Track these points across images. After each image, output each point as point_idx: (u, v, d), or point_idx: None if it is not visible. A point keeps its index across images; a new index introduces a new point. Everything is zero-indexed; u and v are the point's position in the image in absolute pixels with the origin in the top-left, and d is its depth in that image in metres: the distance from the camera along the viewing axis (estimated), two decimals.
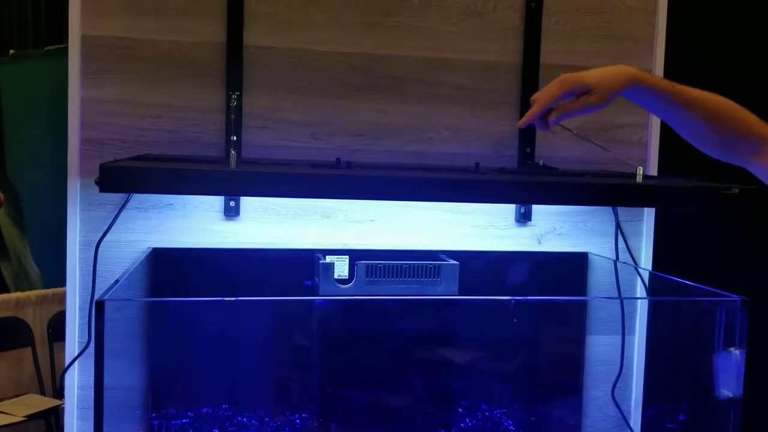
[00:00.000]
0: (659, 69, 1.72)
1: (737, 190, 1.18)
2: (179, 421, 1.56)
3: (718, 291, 1.25)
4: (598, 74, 1.13)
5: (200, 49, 1.52)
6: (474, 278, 1.57)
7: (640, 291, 1.69)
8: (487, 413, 1.62)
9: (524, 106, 1.64)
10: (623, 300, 1.64)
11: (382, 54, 1.60)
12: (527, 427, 1.64)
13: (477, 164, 1.43)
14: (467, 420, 1.59)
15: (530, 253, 1.65)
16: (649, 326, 1.70)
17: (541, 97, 1.14)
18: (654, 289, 1.60)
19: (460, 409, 1.60)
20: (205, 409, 1.53)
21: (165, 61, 1.51)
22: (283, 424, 1.57)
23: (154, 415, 1.52)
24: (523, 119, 1.16)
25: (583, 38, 1.68)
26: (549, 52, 1.66)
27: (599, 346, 1.71)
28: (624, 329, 1.71)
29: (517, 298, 1.47)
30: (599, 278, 1.69)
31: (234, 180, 1.03)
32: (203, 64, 1.53)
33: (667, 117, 1.21)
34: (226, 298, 1.28)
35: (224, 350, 1.55)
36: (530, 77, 1.64)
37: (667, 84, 1.15)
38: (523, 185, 1.09)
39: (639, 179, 1.20)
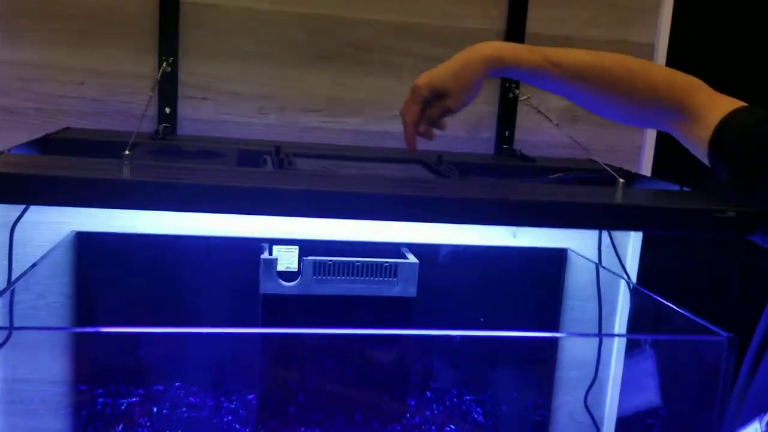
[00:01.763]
0: (663, 42, 1.50)
1: (733, 214, 1.00)
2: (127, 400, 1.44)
3: (705, 324, 1.09)
4: (445, 71, 0.98)
5: (129, 6, 1.32)
6: (439, 275, 1.41)
7: (622, 301, 1.53)
8: (445, 415, 1.49)
9: (506, 82, 1.44)
10: (601, 311, 1.48)
11: (343, 17, 1.38)
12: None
13: (439, 157, 1.24)
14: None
15: (504, 248, 1.48)
16: (629, 332, 1.55)
17: (404, 114, 1.01)
18: (637, 302, 1.43)
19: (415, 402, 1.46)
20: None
21: (89, 19, 1.31)
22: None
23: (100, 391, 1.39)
24: (407, 142, 1.03)
25: (574, 3, 1.46)
26: (536, 19, 1.44)
27: (573, 348, 1.56)
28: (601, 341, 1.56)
29: (470, 333, 1.30)
30: (579, 277, 1.52)
31: (131, 193, 0.85)
32: (133, 24, 1.32)
33: (558, 92, 1.03)
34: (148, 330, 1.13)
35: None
36: None
37: (539, 57, 0.97)
38: (475, 205, 0.91)
39: (618, 197, 1.01)
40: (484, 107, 1.45)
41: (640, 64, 1.01)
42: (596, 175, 1.25)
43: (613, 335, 1.56)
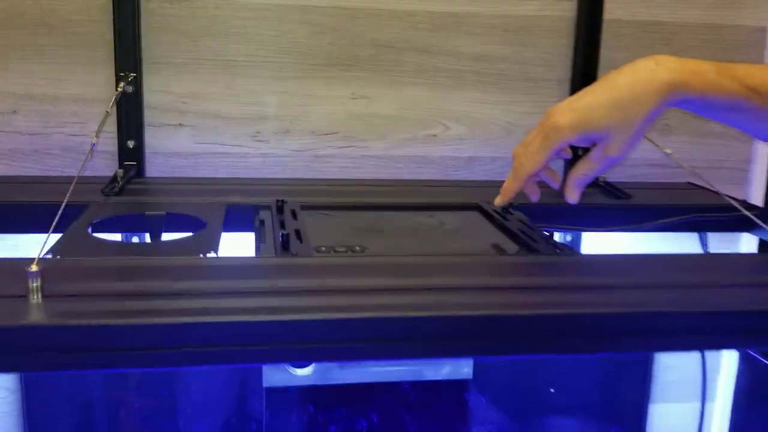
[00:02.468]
0: None
1: None
2: None
3: None
4: (602, 107, 0.67)
5: (72, 5, 0.97)
6: None
7: None
8: None
9: (577, 85, 1.08)
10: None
11: (363, 8, 1.03)
12: None
13: (479, 207, 0.89)
14: None
15: None
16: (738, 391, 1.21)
17: (522, 159, 0.71)
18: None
19: None
20: None
21: (19, 27, 0.96)
22: None
23: None
24: (500, 198, 0.74)
25: None
26: (615, 0, 1.08)
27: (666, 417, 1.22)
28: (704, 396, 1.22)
29: None
30: None
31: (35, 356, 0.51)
32: (79, 31, 0.98)
33: (752, 128, 0.73)
34: None
35: None
36: (588, 40, 1.07)
37: (733, 81, 0.67)
38: (609, 322, 0.57)
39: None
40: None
41: None
42: (721, 217, 0.90)
43: None
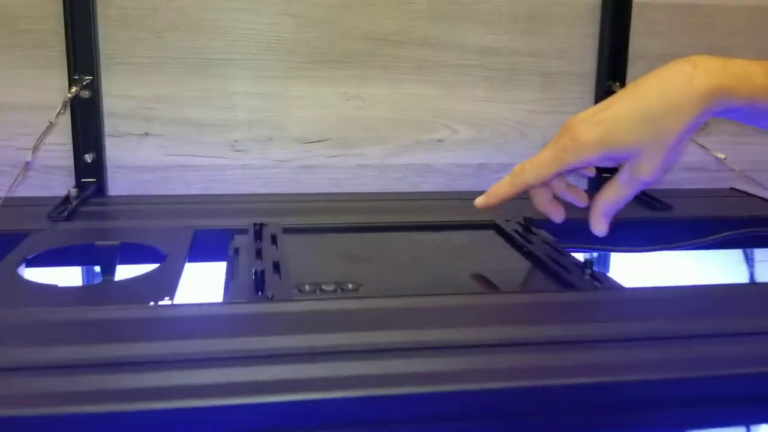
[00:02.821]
0: None
1: None
2: None
3: None
4: (633, 121, 0.56)
5: (22, 1, 0.84)
6: None
7: None
8: None
9: (602, 79, 0.95)
10: None
11: None
12: None
13: (527, 220, 0.75)
14: None
15: None
16: None
17: (524, 172, 0.61)
18: None
19: None
20: None
21: None
22: None
23: None
24: (483, 198, 0.65)
25: None
26: None
27: None
28: None
29: None
30: None
31: None
32: (29, 28, 0.84)
33: None
34: None
35: None
36: (615, 27, 0.94)
37: None
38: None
39: None
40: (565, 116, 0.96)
41: None
42: None
43: None
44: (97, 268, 0.70)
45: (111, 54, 0.86)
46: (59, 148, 0.87)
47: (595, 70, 0.95)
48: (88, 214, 0.79)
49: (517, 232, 0.74)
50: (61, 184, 0.87)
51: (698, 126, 0.56)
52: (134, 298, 0.54)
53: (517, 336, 0.47)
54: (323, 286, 0.58)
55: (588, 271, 0.61)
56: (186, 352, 0.43)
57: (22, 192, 0.87)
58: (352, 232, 0.75)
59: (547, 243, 0.70)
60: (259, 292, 0.55)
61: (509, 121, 0.95)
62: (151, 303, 0.52)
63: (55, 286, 0.57)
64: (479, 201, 0.64)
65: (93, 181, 0.87)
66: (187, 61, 0.87)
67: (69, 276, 0.85)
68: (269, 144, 0.91)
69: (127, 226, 0.74)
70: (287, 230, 0.73)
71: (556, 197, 0.65)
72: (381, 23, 0.90)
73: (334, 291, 0.58)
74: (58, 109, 0.78)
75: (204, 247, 0.72)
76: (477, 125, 0.95)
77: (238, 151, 0.91)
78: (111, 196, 0.88)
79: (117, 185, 0.89)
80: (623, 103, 0.56)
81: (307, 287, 0.58)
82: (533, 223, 0.75)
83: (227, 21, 0.87)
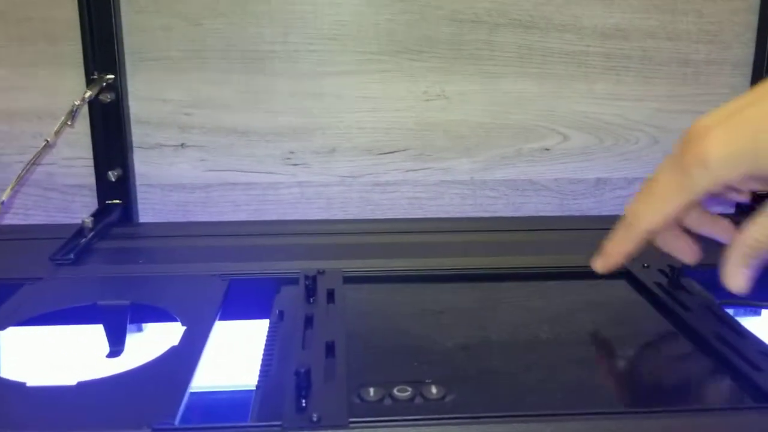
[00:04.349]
0: None
1: None
2: None
3: None
4: None
5: None
6: None
7: None
8: None
9: (762, 68, 0.72)
10: None
11: None
12: None
13: (674, 269, 0.55)
14: None
15: None
16: None
17: (638, 217, 0.44)
18: None
19: None
20: None
21: None
22: None
23: None
24: (600, 261, 0.48)
25: None
26: None
27: None
28: None
29: None
30: None
31: None
32: (40, 16, 0.69)
33: None
34: None
35: None
36: None
37: None
38: None
39: None
40: None
41: None
42: None
43: None
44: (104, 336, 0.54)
45: (137, 48, 0.70)
46: (80, 163, 0.72)
47: (753, 56, 0.73)
48: (106, 253, 0.63)
49: (660, 286, 0.53)
50: (83, 207, 0.73)
51: None
52: (127, 412, 0.37)
53: None
54: (395, 391, 0.40)
55: None
56: None
57: (38, 218, 0.73)
58: (438, 281, 0.57)
59: (710, 310, 0.49)
60: (302, 407, 0.37)
61: (638, 125, 0.74)
62: (143, 430, 0.35)
63: (23, 385, 0.40)
64: (598, 265, 0.48)
65: (119, 204, 0.71)
66: (230, 55, 0.70)
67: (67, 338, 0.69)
68: (332, 156, 0.73)
69: (146, 272, 0.58)
70: (350, 279, 0.55)
71: (686, 230, 0.47)
72: (471, 0, 0.71)
73: (411, 399, 0.39)
74: (61, 121, 0.62)
75: (244, 298, 0.56)
76: (595, 130, 0.74)
77: (294, 165, 0.73)
78: (141, 224, 0.72)
79: (148, 208, 0.73)
80: None
81: (371, 393, 0.40)
82: (682, 272, 0.55)
83: (278, 4, 0.70)
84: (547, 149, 0.74)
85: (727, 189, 0.41)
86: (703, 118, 0.40)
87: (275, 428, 0.36)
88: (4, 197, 0.60)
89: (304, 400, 0.38)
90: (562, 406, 0.39)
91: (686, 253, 0.48)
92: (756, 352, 0.43)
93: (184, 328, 0.47)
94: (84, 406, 0.38)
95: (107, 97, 0.69)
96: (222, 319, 0.52)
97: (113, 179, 0.70)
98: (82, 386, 0.40)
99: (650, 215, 0.43)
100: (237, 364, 0.60)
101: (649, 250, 0.63)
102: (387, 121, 0.73)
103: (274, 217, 0.74)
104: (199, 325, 0.47)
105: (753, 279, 0.42)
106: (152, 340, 0.64)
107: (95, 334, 0.60)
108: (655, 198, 0.42)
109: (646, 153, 0.75)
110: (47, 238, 0.65)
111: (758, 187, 0.41)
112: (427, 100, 0.73)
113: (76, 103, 0.63)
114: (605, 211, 0.75)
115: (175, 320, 0.49)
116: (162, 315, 0.51)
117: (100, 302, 0.52)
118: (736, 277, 0.42)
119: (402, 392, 0.40)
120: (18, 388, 0.40)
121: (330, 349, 0.44)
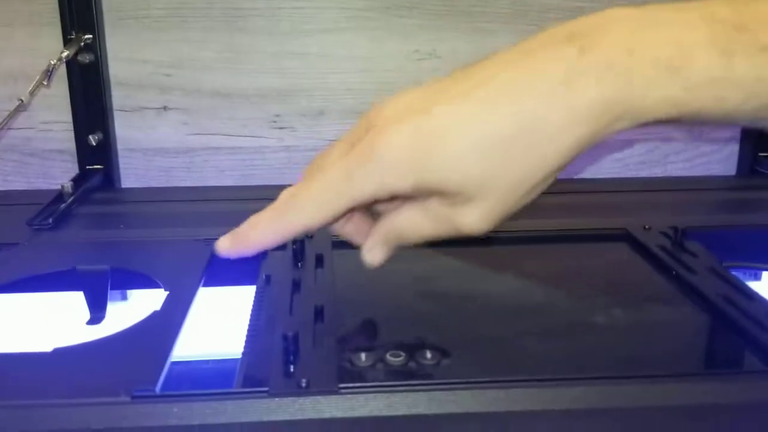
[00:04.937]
0: None
1: None
2: None
3: None
4: (487, 140, 0.32)
5: None
6: None
7: None
8: None
9: None
10: None
11: None
12: None
13: (678, 230, 0.53)
14: None
15: None
16: None
17: (296, 209, 0.36)
18: None
19: None
20: None
21: None
22: None
23: None
24: (227, 241, 0.39)
25: None
26: None
27: None
28: None
29: None
30: None
31: None
32: None
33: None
34: None
35: None
36: None
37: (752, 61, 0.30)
38: None
39: None
40: None
41: None
42: None
43: None
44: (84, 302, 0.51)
45: (116, 6, 0.67)
46: (59, 127, 0.69)
47: None
48: (86, 218, 0.61)
49: (663, 248, 0.52)
50: (63, 172, 0.70)
51: (580, 153, 0.33)
52: (99, 388, 0.35)
53: None
54: (388, 356, 0.38)
55: None
56: None
57: (18, 184, 0.70)
58: (429, 246, 0.55)
59: (715, 272, 0.48)
60: (290, 373, 0.36)
61: None
62: (122, 395, 0.33)
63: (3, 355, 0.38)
64: (225, 244, 0.39)
65: (100, 169, 0.69)
66: (210, 13, 0.67)
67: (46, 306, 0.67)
68: (320, 119, 0.71)
69: (127, 237, 0.56)
70: (339, 244, 0.53)
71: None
72: None
73: (405, 364, 0.38)
74: (33, 84, 0.59)
75: (228, 266, 0.53)
76: None
77: (280, 128, 0.71)
78: (122, 189, 0.70)
79: (130, 174, 0.70)
80: (470, 101, 0.33)
81: (363, 357, 0.38)
82: (686, 234, 0.53)
83: None
84: None
85: (386, 197, 0.35)
86: (389, 103, 0.35)
87: (262, 394, 0.34)
88: None
89: (291, 366, 0.36)
90: (560, 371, 0.37)
91: (359, 235, 0.41)
92: (765, 314, 0.41)
93: (167, 293, 0.45)
94: (60, 373, 0.36)
95: (86, 58, 0.66)
96: (207, 285, 0.50)
97: (94, 143, 0.68)
98: (59, 353, 0.38)
99: (307, 214, 0.36)
100: (222, 332, 0.58)
101: (647, 209, 0.62)
102: (376, 81, 0.70)
103: (260, 183, 0.71)
104: (182, 291, 0.45)
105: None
106: (136, 308, 0.62)
107: (75, 301, 0.58)
108: (318, 193, 0.36)
109: None
110: (26, 203, 0.62)
111: (417, 196, 0.36)
112: (419, 59, 0.70)
113: (53, 62, 0.60)
114: (602, 174, 0.73)
115: (156, 286, 0.47)
116: (143, 280, 0.49)
117: (80, 267, 0.50)
118: (374, 252, 0.40)
119: (395, 357, 0.38)
120: None
121: (319, 313, 0.42)
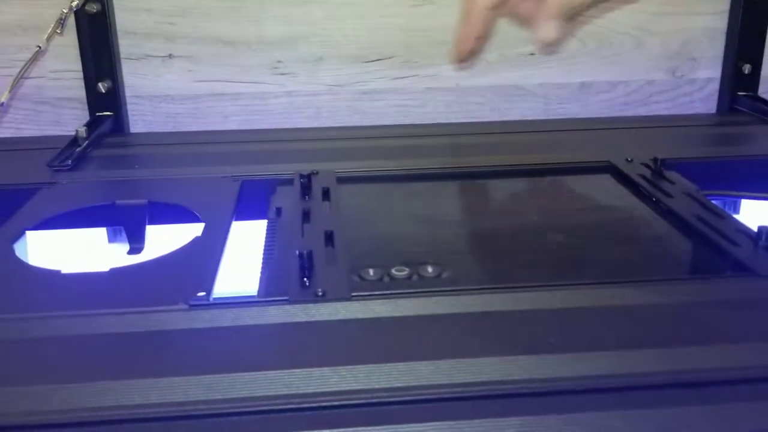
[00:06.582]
0: None
1: None
2: None
3: None
4: None
5: None
6: None
7: None
8: None
9: None
10: None
11: None
12: None
13: (656, 160, 0.57)
14: None
15: None
16: None
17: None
18: None
19: None
20: None
21: None
22: None
23: None
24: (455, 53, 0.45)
25: None
26: None
27: None
28: None
29: None
30: None
31: None
32: None
33: None
34: None
35: None
36: None
37: None
38: None
39: None
40: (697, 19, 0.76)
41: None
42: None
43: None
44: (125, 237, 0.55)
45: None
46: (69, 75, 0.72)
47: None
48: (101, 159, 0.64)
49: (644, 177, 0.56)
50: (74, 119, 0.73)
51: None
52: (159, 297, 0.39)
53: (703, 365, 0.31)
54: (393, 271, 0.42)
55: (764, 243, 0.43)
56: (201, 399, 0.29)
57: (30, 131, 0.73)
58: (428, 180, 0.59)
59: (691, 196, 0.52)
60: (306, 285, 0.40)
61: (623, 27, 0.75)
62: (180, 303, 0.37)
63: (59, 273, 0.42)
64: (455, 55, 0.46)
65: (110, 115, 0.72)
66: None
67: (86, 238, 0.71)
68: (319, 65, 0.74)
69: (150, 177, 0.59)
70: (343, 180, 0.57)
71: None
72: None
73: (409, 278, 0.42)
74: (49, 30, 0.62)
75: (245, 203, 0.57)
76: (579, 33, 0.75)
77: (281, 74, 0.74)
78: (132, 134, 0.73)
79: (138, 120, 0.73)
80: None
81: (371, 272, 0.42)
82: (665, 164, 0.57)
83: None
84: (531, 54, 0.75)
85: None
86: None
87: (282, 302, 0.38)
88: (2, 99, 0.60)
89: (307, 279, 0.40)
90: (549, 279, 0.41)
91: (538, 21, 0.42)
92: (734, 230, 0.45)
93: (203, 224, 0.49)
94: (119, 288, 0.40)
95: (93, 8, 0.68)
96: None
97: (103, 91, 0.71)
98: (116, 271, 0.42)
99: None
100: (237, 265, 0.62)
101: (630, 144, 0.65)
102: (372, 28, 0.73)
103: (264, 127, 0.74)
104: (219, 213, 0.49)
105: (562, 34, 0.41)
106: (168, 240, 0.65)
107: (112, 236, 0.62)
108: None
109: (630, 56, 0.76)
110: (41, 148, 0.65)
111: None
112: (414, 5, 0.73)
113: (64, 11, 0.62)
114: (589, 114, 0.77)
115: (193, 219, 0.50)
116: (180, 214, 0.52)
117: (119, 201, 0.53)
118: (547, 27, 0.41)
119: (400, 271, 0.42)
120: (53, 275, 0.42)
121: (329, 238, 0.46)
